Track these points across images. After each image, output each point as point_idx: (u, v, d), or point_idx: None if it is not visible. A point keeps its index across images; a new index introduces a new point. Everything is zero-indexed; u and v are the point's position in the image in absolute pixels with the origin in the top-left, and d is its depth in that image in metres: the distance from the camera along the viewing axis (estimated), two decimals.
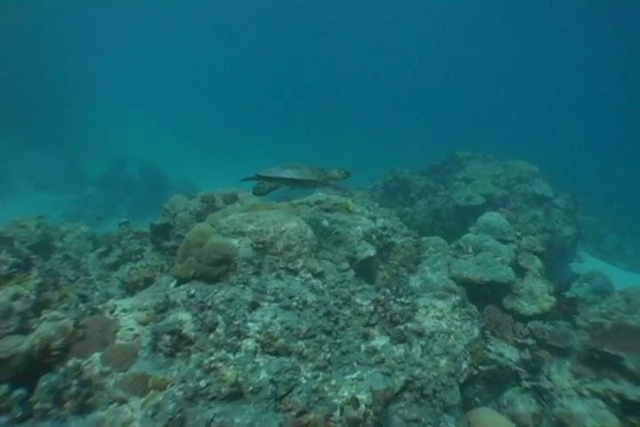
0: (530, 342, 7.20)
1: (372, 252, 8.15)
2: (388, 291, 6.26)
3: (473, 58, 65.06)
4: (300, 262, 6.30)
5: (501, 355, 6.88)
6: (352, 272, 7.69)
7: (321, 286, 5.73)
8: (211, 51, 59.68)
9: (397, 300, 5.83)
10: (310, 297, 5.27)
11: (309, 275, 6.13)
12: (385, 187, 17.46)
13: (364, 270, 8.38)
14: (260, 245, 6.16)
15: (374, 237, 8.73)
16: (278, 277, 5.83)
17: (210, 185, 30.27)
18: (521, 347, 7.21)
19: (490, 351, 6.71)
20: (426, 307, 6.02)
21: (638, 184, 33.54)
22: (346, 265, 7.71)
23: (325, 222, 8.39)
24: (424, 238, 10.50)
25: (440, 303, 6.09)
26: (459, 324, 5.84)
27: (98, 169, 30.18)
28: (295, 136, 45.82)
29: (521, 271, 8.61)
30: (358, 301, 5.70)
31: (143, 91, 49.17)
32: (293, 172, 6.05)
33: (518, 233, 9.08)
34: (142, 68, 52.33)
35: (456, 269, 8.20)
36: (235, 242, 6.12)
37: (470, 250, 8.48)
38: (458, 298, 6.22)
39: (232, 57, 61.08)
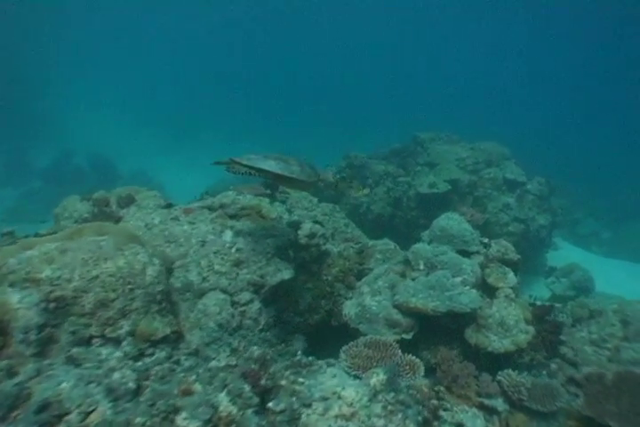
0: (500, 404, 4.85)
1: (286, 273, 5.92)
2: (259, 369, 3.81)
3: (435, 34, 61.85)
4: (126, 326, 3.84)
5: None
6: (256, 305, 5.71)
7: (131, 384, 3.24)
8: (174, 36, 55.71)
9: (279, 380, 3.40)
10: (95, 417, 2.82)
11: (138, 347, 3.66)
12: (338, 175, 14.91)
13: (280, 297, 6.23)
14: (55, 304, 3.67)
15: (291, 252, 6.31)
16: (71, 361, 3.34)
17: (167, 175, 27.85)
18: (488, 411, 4.86)
19: (445, 423, 4.40)
20: (325, 399, 3.58)
21: (614, 165, 31.49)
22: (247, 296, 5.48)
23: (228, 235, 6.01)
24: (370, 243, 8.20)
25: (350, 392, 3.63)
26: (381, 424, 3.40)
27: (45, 160, 27.14)
28: (254, 120, 42.93)
29: (490, 292, 6.30)
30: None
31: (98, 77, 45.43)
32: (278, 165, 4.89)
33: (485, 239, 6.70)
34: (98, 54, 48.48)
35: (401, 294, 5.85)
36: (14, 299, 3.62)
37: (422, 266, 6.13)
38: (382, 377, 3.74)
39: (196, 43, 57.21)
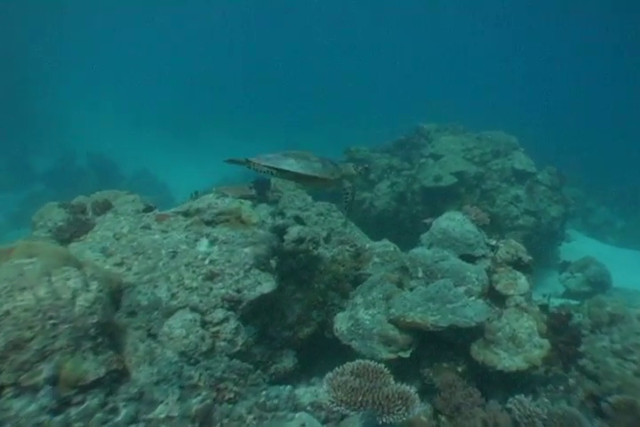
0: None
1: (267, 287, 5.16)
2: None
3: (441, 24, 60.31)
4: (46, 370, 3.08)
5: None
6: (232, 324, 5.01)
7: None
8: (174, 34, 54.68)
9: None
10: None
11: (63, 395, 2.93)
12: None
13: (263, 311, 5.61)
14: None
15: (274, 262, 5.56)
16: None
17: (171, 174, 27.17)
18: None
19: None
20: None
21: (626, 153, 30.39)
22: (221, 314, 4.78)
23: (202, 245, 5.30)
24: (367, 245, 7.45)
25: None
26: None
27: (47, 163, 26.42)
28: (257, 116, 41.96)
29: (499, 300, 5.50)
30: None
31: (98, 77, 44.53)
32: (298, 163, 4.56)
33: (492, 241, 5.90)
34: (99, 53, 47.61)
35: (397, 307, 5.08)
36: None
37: (421, 274, 5.36)
38: None
39: (196, 40, 56.12)
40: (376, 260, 7.16)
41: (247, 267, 5.40)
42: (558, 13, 51.70)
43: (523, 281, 5.76)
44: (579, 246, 16.71)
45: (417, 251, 5.70)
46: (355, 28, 60.54)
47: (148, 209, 6.64)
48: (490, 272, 5.67)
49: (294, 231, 6.43)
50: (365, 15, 58.94)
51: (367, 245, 7.52)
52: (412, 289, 5.43)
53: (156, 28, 52.22)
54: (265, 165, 4.50)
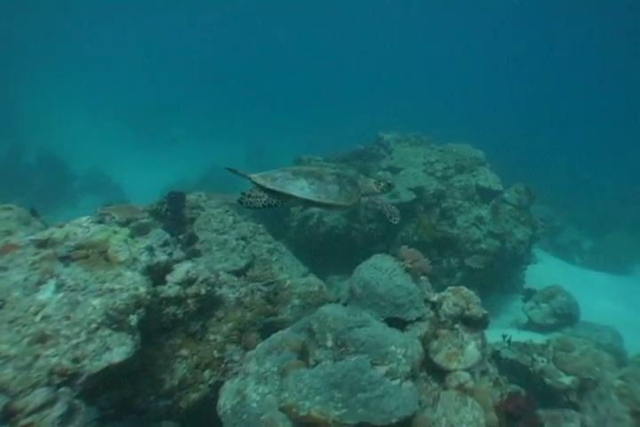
0: None
1: (118, 353, 3.85)
2: None
3: (408, 31, 58.64)
4: None
5: None
6: (59, 409, 3.50)
7: None
8: (142, 32, 52.15)
9: None
10: None
11: None
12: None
13: (123, 380, 4.22)
14: None
15: (135, 318, 3.93)
16: None
17: (126, 175, 25.18)
18: None
19: None
20: None
21: (597, 171, 29.24)
22: (42, 396, 3.16)
23: (48, 290, 3.75)
24: (287, 282, 5.83)
25: None
26: None
27: None
28: (225, 117, 39.98)
29: (438, 376, 3.93)
30: None
31: (60, 69, 41.88)
32: (310, 186, 3.79)
33: (433, 296, 4.42)
34: (64, 43, 45.02)
35: (291, 391, 3.53)
36: None
37: (330, 343, 3.75)
38: None
39: (165, 38, 53.66)
40: (296, 302, 5.62)
41: (93, 326, 3.80)
42: (525, 27, 50.92)
43: (471, 348, 4.23)
44: (545, 268, 15.35)
45: (328, 309, 4.10)
46: (322, 33, 58.77)
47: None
48: (426, 339, 4.08)
49: (181, 271, 4.81)
50: (331, 20, 57.26)
51: (287, 283, 5.90)
52: (317, 363, 3.81)
53: (126, 24, 49.70)
54: (270, 189, 3.74)
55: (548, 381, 7.46)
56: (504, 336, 8.27)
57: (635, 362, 9.38)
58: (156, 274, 4.77)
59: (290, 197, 3.82)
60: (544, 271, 14.91)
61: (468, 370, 4.10)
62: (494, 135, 27.54)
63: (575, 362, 7.73)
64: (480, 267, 10.30)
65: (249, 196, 3.86)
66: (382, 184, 4.59)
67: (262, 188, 3.82)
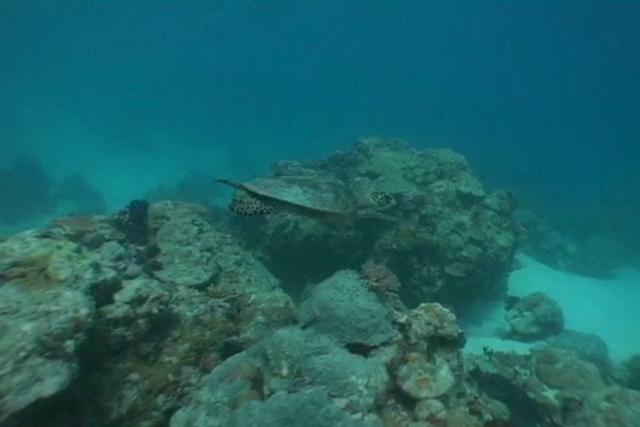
0: None
1: (51, 385, 3.66)
2: None
3: (379, 34, 58.23)
4: None
5: None
6: None
7: None
8: (121, 39, 51.23)
9: None
10: None
11: None
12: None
13: (61, 410, 3.72)
14: None
15: (71, 344, 3.50)
16: None
17: (106, 181, 24.61)
18: None
19: None
20: None
21: (581, 176, 29.10)
22: None
23: None
24: (251, 297, 5.42)
25: None
26: None
27: None
28: (204, 124, 39.44)
29: (408, 404, 3.55)
30: None
31: (42, 75, 41.10)
32: (305, 193, 3.69)
33: (402, 317, 4.00)
34: (47, 50, 44.30)
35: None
36: None
37: (285, 371, 3.39)
38: None
39: (143, 44, 52.81)
40: (260, 319, 5.23)
41: (22, 354, 3.37)
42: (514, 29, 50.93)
43: (444, 373, 3.85)
44: (529, 274, 15.12)
45: (283, 334, 3.72)
46: (302, 42, 58.32)
47: None
48: (393, 365, 3.69)
49: (131, 289, 4.41)
50: (309, 29, 56.79)
51: (252, 298, 5.50)
52: (272, 393, 3.41)
53: (104, 31, 48.82)
54: (263, 195, 3.64)
55: (531, 395, 7.15)
56: (485, 349, 7.94)
57: (620, 371, 9.13)
58: (103, 293, 4.36)
59: (284, 204, 3.68)
60: (528, 277, 14.68)
61: (440, 397, 3.71)
62: (476, 140, 27.32)
63: (559, 375, 7.43)
64: (461, 275, 9.96)
65: (240, 202, 3.72)
66: (379, 196, 4.39)
67: (254, 195, 3.71)
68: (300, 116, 42.66)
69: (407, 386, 3.69)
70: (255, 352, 3.90)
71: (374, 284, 3.96)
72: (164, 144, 33.40)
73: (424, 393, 3.68)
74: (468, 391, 4.71)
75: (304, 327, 3.88)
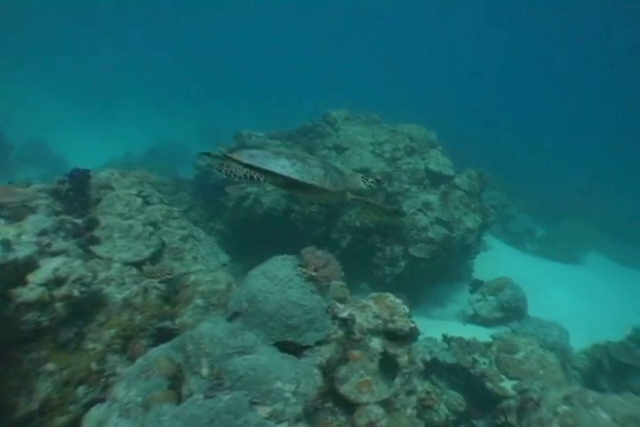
0: None
1: None
2: None
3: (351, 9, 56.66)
4: None
5: None
6: None
7: None
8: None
9: None
10: None
11: None
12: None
13: None
14: None
15: None
16: None
17: (70, 147, 23.54)
18: None
19: None
20: None
21: (554, 159, 28.93)
22: None
23: None
24: (191, 278, 4.88)
25: None
26: None
27: None
28: (176, 93, 38.01)
29: (347, 408, 3.12)
30: None
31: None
32: (293, 166, 3.47)
33: (344, 312, 3.56)
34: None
35: None
36: None
37: (205, 371, 2.99)
38: None
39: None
40: (199, 302, 4.71)
41: None
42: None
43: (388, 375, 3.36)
44: (495, 256, 14.88)
45: (205, 329, 3.20)
46: (270, 12, 56.56)
47: None
48: (330, 366, 3.23)
49: (48, 269, 3.84)
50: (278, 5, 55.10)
51: (191, 279, 4.97)
52: (191, 394, 2.93)
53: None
54: (247, 165, 3.39)
55: (488, 385, 6.88)
56: (444, 336, 7.61)
57: (580, 359, 8.98)
58: (13, 273, 3.80)
59: (271, 175, 3.45)
60: (494, 259, 14.46)
61: (383, 402, 3.27)
62: (449, 118, 26.91)
63: (519, 365, 7.16)
64: (425, 256, 9.58)
65: (227, 166, 3.44)
66: (370, 180, 4.06)
67: (238, 163, 3.47)
68: (273, 88, 41.71)
69: (345, 390, 3.25)
70: (178, 345, 3.40)
71: (313, 273, 3.46)
72: (133, 112, 32.12)
73: (364, 398, 3.25)
74: (420, 389, 4.33)
75: (230, 320, 3.38)
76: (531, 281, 12.57)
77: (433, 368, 6.95)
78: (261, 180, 3.48)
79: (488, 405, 6.71)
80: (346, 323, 3.54)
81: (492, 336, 8.57)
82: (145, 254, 5.70)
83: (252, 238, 10.21)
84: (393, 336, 3.84)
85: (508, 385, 6.84)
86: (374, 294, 4.09)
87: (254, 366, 2.86)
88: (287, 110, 31.12)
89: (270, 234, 10.19)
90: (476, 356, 7.44)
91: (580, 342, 9.48)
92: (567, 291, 13.75)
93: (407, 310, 3.98)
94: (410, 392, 4.03)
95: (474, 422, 6.59)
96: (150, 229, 6.06)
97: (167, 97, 35.73)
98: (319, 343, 3.30)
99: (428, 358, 6.57)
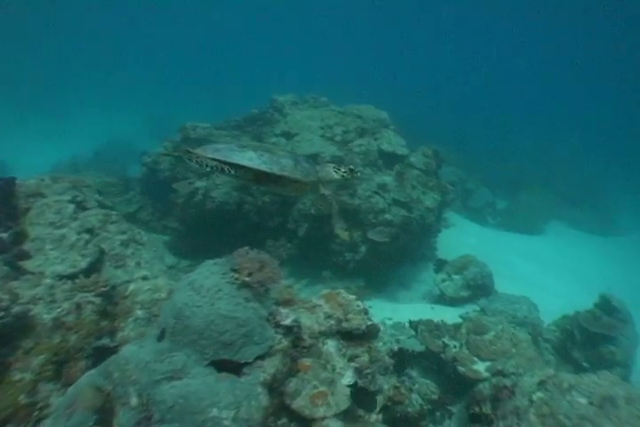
0: None
1: None
2: None
3: None
4: None
5: None
6: None
7: None
8: None
9: None
10: None
11: None
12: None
13: None
14: None
15: None
16: None
17: (14, 152, 22.39)
18: None
19: None
20: None
21: (509, 132, 28.92)
22: None
23: None
24: (130, 287, 4.45)
25: None
26: None
27: None
28: (120, 88, 36.66)
29: (302, 423, 2.76)
30: None
31: None
32: (260, 157, 3.26)
33: (286, 319, 3.15)
34: None
35: None
36: None
37: (134, 401, 2.62)
38: None
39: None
40: (139, 314, 4.29)
41: None
42: None
43: (346, 381, 3.01)
44: (457, 232, 14.76)
45: (130, 352, 2.80)
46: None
47: None
48: (277, 381, 2.85)
49: None
50: None
51: (130, 288, 4.53)
52: None
53: None
54: (213, 159, 3.11)
55: (461, 369, 6.67)
56: (411, 322, 7.35)
57: (550, 331, 8.88)
58: None
59: (236, 167, 3.21)
60: (457, 236, 14.34)
61: (341, 414, 2.92)
62: (400, 97, 26.62)
63: (490, 346, 6.97)
64: (385, 240, 9.28)
65: (197, 156, 3.20)
66: (343, 169, 3.82)
67: (203, 157, 3.22)
68: (220, 78, 40.77)
69: (298, 405, 2.89)
70: (105, 371, 2.97)
71: (246, 279, 3.06)
72: (78, 110, 30.77)
73: (320, 412, 2.89)
74: (386, 386, 4.02)
75: (160, 339, 2.97)
76: (495, 255, 12.49)
77: (402, 358, 6.67)
78: (232, 172, 3.27)
79: (462, 388, 6.53)
80: (291, 330, 3.17)
81: (460, 316, 8.39)
82: (81, 265, 5.23)
83: (206, 234, 9.83)
84: (349, 336, 3.50)
85: (481, 367, 6.65)
86: (325, 292, 3.73)
87: (184, 393, 2.47)
88: (236, 99, 30.39)
89: (225, 228, 9.82)
90: (445, 339, 7.22)
91: (549, 313, 9.36)
92: (532, 262, 13.73)
93: (362, 306, 3.64)
94: (376, 393, 3.71)
95: (449, 408, 6.38)
96: (86, 236, 5.58)
97: (113, 94, 34.48)
98: (262, 357, 2.91)
99: (396, 348, 6.27)
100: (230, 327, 2.77)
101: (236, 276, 3.04)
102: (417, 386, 6.24)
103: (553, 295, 11.22)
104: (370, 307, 9.11)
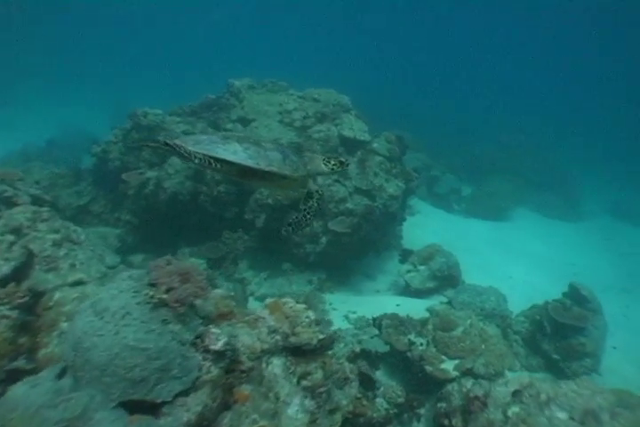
0: None
1: None
2: None
3: None
4: None
5: None
6: None
7: None
8: None
9: None
10: None
11: None
12: (123, 142, 10.45)
13: None
14: None
15: None
16: None
17: None
18: None
19: None
20: None
21: (473, 117, 28.64)
22: None
23: None
24: (54, 296, 3.97)
25: None
26: None
27: None
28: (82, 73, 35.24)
29: None
30: None
31: None
32: (245, 150, 3.05)
33: (217, 343, 2.59)
34: None
35: None
36: None
37: None
38: None
39: None
40: (65, 327, 3.72)
41: None
42: None
43: (292, 413, 2.57)
44: (423, 220, 14.49)
45: (19, 394, 2.22)
46: None
47: None
48: (206, 419, 2.35)
49: None
50: None
51: (55, 297, 3.97)
52: None
53: None
54: (191, 152, 2.85)
55: (428, 368, 6.32)
56: (374, 320, 6.95)
57: (519, 322, 8.64)
58: None
59: (223, 162, 2.98)
60: (423, 224, 14.09)
61: None
62: (361, 79, 26.12)
63: (459, 343, 6.65)
64: (346, 230, 8.87)
65: (181, 148, 2.90)
66: (332, 162, 3.67)
67: (183, 152, 2.92)
68: (181, 64, 39.60)
69: None
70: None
71: (163, 296, 2.52)
72: (33, 98, 29.21)
73: None
74: (345, 401, 3.59)
75: (60, 375, 2.42)
76: (461, 243, 12.25)
77: (366, 360, 6.27)
78: (218, 167, 3.05)
79: (431, 388, 6.20)
80: (223, 355, 2.66)
81: (427, 309, 8.04)
82: (3, 271, 4.61)
83: (160, 227, 9.41)
84: (299, 352, 3.03)
85: (449, 366, 6.36)
86: (269, 301, 3.25)
87: None
88: (196, 85, 29.41)
89: (180, 220, 9.35)
90: (411, 337, 6.87)
91: (518, 303, 9.10)
92: (499, 250, 13.53)
93: (313, 317, 3.17)
94: (332, 412, 3.28)
95: (416, 410, 6.04)
96: (11, 237, 4.96)
97: (70, 80, 33.04)
98: (186, 392, 2.41)
99: (358, 349, 5.86)
100: (140, 361, 2.24)
101: (151, 293, 2.50)
102: (382, 389, 5.88)
103: (520, 283, 11.08)
104: (331, 304, 8.81)
